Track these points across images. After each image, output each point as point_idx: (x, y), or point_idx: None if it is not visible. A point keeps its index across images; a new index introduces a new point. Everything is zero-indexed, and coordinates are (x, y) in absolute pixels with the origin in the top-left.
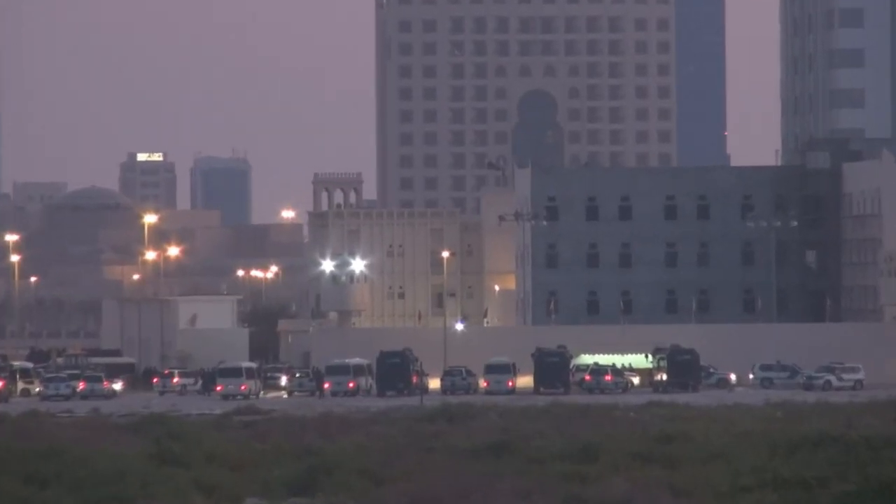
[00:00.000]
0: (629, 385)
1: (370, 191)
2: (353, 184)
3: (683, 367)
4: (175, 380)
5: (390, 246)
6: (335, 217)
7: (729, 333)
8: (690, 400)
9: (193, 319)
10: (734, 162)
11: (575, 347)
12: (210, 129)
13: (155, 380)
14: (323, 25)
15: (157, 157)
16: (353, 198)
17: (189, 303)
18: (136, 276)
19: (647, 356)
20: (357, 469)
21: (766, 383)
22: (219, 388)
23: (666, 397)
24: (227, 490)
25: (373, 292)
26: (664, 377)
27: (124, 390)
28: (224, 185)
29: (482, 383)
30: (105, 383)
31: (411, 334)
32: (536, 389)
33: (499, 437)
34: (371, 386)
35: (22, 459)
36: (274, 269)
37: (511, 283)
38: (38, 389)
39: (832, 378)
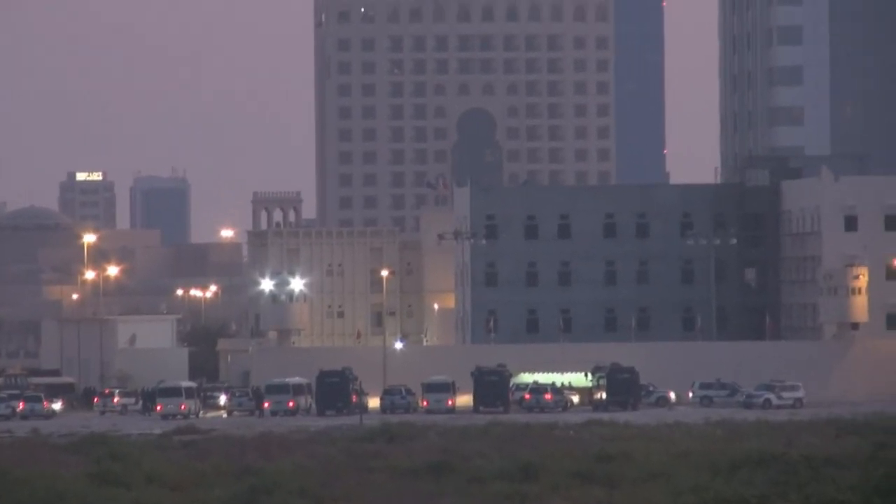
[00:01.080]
0: (569, 404)
1: (309, 210)
2: (292, 202)
3: (623, 386)
4: (115, 399)
5: (329, 265)
6: (274, 236)
7: (668, 351)
8: (630, 419)
9: (133, 339)
10: (674, 180)
11: (514, 366)
12: (149, 148)
13: (95, 399)
14: (262, 44)
15: (97, 176)
16: (292, 217)
17: (128, 322)
18: (75, 296)
19: (586, 374)
20: (297, 489)
21: (705, 402)
22: (158, 408)
23: (606, 416)
24: None
25: (312, 311)
26: (604, 396)
27: (64, 410)
28: (163, 204)
29: (422, 402)
30: (45, 403)
31: (351, 353)
32: (476, 408)
33: (439, 457)
34: (311, 405)
35: None
36: (213, 288)
37: (451, 302)
38: None
39: (772, 396)
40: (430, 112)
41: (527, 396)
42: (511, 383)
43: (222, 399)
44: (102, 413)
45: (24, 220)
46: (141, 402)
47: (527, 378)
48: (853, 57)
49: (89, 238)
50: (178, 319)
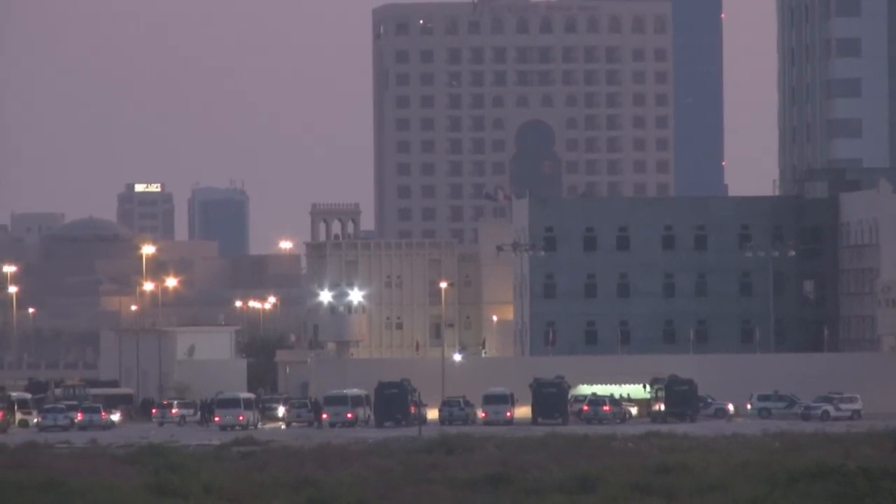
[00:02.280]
0: (627, 415)
1: (368, 221)
2: (350, 214)
3: (681, 398)
4: (173, 410)
5: (388, 276)
6: (333, 248)
7: (727, 363)
8: (688, 430)
9: (191, 350)
10: (732, 192)
11: (573, 378)
12: (208, 159)
13: (154, 411)
14: (321, 56)
15: (155, 187)
16: (350, 228)
17: (187, 334)
18: (133, 307)
19: (645, 386)
20: (355, 500)
21: (763, 413)
22: (217, 419)
23: (664, 428)
24: None
25: (371, 323)
26: (662, 407)
27: (122, 421)
28: (222, 215)
29: (480, 414)
30: (103, 414)
31: (409, 365)
32: (534, 420)
33: (497, 469)
34: (369, 416)
35: (20, 491)
36: (272, 299)
37: (509, 314)
38: (36, 420)
39: (830, 408)
40: (488, 124)
41: (585, 408)
42: (569, 395)
43: (281, 410)
44: (161, 424)
45: (83, 231)
46: (199, 413)
47: (585, 390)
48: None
49: (148, 249)
50: (237, 331)
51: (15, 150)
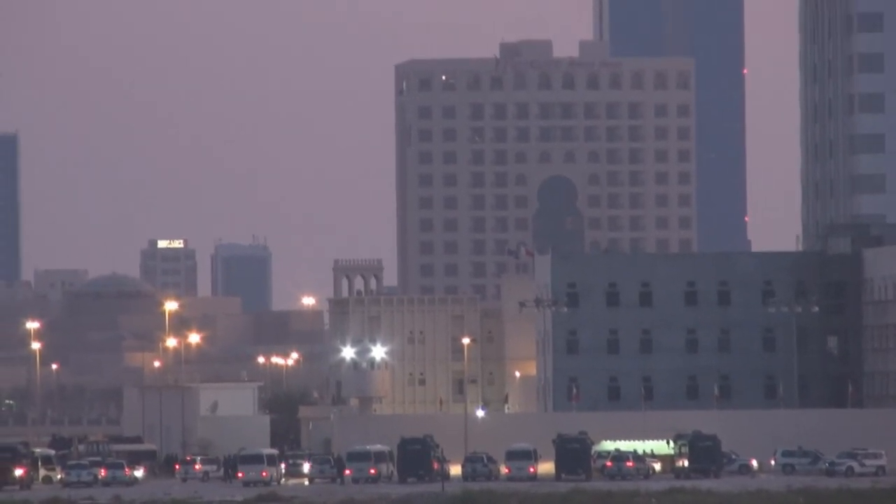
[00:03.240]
0: (651, 471)
1: (391, 277)
2: (373, 270)
3: (705, 453)
4: (197, 466)
5: (411, 332)
6: (356, 304)
7: (750, 419)
8: (713, 486)
9: (214, 406)
10: (755, 247)
11: (596, 433)
12: (231, 215)
13: (177, 466)
14: (343, 111)
15: (178, 243)
16: (373, 284)
17: (210, 390)
18: (157, 363)
19: (668, 442)
20: None
21: (788, 469)
22: (240, 475)
23: (688, 483)
24: None
25: (394, 378)
26: (686, 463)
27: (146, 477)
28: (245, 271)
29: (504, 469)
30: (126, 470)
31: (432, 420)
32: (558, 476)
33: None
34: (392, 472)
35: None
36: (294, 355)
37: (532, 370)
38: (59, 476)
39: (854, 464)
40: (511, 179)
41: (608, 464)
42: (593, 451)
43: (306, 467)
44: (184, 480)
45: (106, 287)
46: (223, 469)
47: (608, 446)
48: None
49: (171, 305)
50: (260, 387)
51: (38, 206)
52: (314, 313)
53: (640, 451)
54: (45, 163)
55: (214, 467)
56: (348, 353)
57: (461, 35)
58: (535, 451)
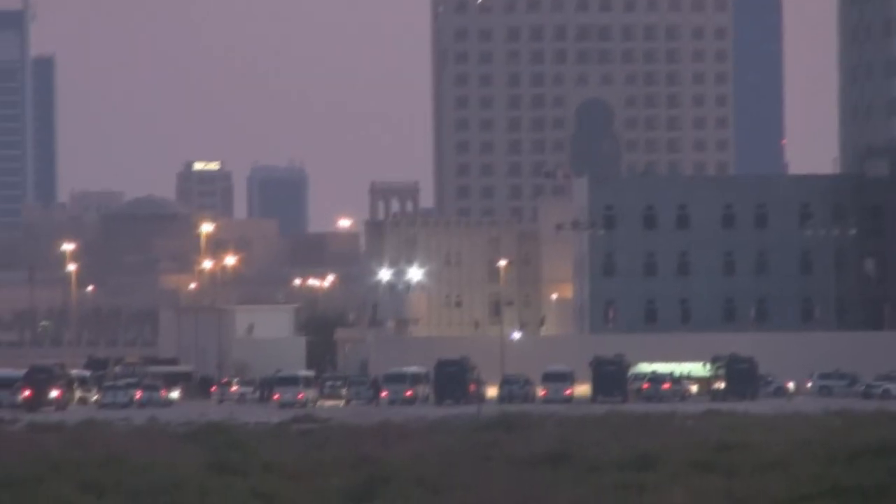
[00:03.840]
0: (687, 393)
1: (427, 199)
2: (409, 192)
3: (742, 376)
4: (233, 388)
5: (447, 254)
6: (392, 226)
7: (787, 342)
8: (749, 408)
9: (250, 329)
10: (792, 170)
11: (633, 356)
12: (267, 137)
13: (213, 388)
14: (380, 34)
15: (214, 165)
16: (409, 206)
17: (246, 312)
18: (192, 286)
19: (705, 365)
20: (415, 478)
21: (824, 392)
22: (276, 397)
23: (724, 406)
24: (284, 499)
25: (430, 301)
26: (722, 386)
27: (181, 399)
28: (281, 194)
29: (540, 392)
30: (162, 392)
31: (468, 343)
32: (594, 398)
33: (557, 447)
34: (429, 394)
35: (79, 468)
36: (331, 278)
37: (568, 292)
38: (95, 398)
39: (891, 386)
40: (547, 102)
41: (645, 386)
42: (629, 373)
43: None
44: (221, 402)
45: (141, 209)
46: (259, 391)
47: (645, 368)
48: None
49: (207, 227)
50: (296, 309)
51: (73, 128)
52: (350, 235)
53: (676, 374)
54: (82, 85)
55: (251, 389)
56: (385, 275)
57: None
58: (571, 374)
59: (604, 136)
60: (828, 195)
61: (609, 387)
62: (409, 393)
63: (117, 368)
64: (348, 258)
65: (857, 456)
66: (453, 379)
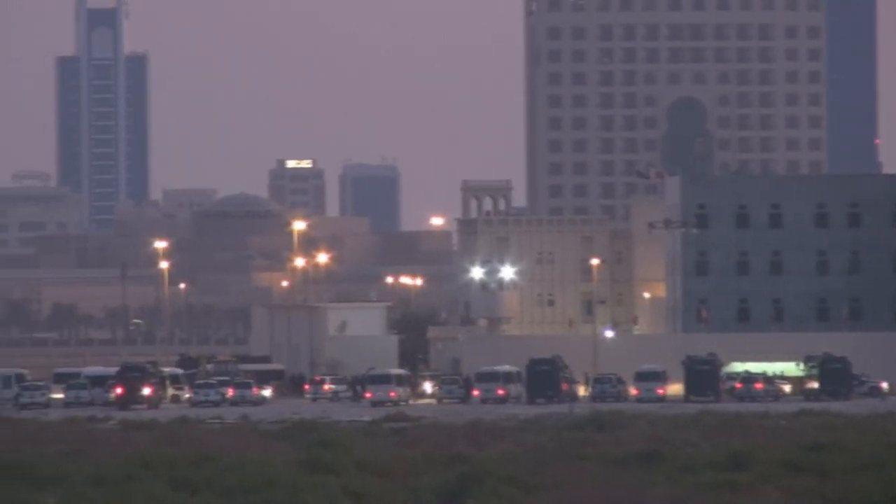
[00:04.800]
0: (780, 393)
1: (519, 198)
2: (502, 191)
3: (835, 376)
4: (326, 386)
5: (539, 253)
6: (484, 224)
7: (881, 342)
8: (842, 408)
9: (343, 326)
10: (886, 170)
11: (725, 355)
12: (359, 136)
13: (306, 387)
14: (472, 33)
15: (307, 163)
16: (502, 205)
17: (338, 310)
18: (284, 283)
19: (798, 364)
20: (506, 477)
21: None
22: (368, 395)
23: (817, 406)
24: (376, 497)
25: (522, 299)
26: (815, 386)
27: (273, 397)
28: (373, 191)
29: (632, 391)
30: (254, 390)
31: (561, 341)
32: (687, 397)
33: (649, 446)
34: (520, 393)
35: (171, 466)
36: (423, 276)
37: (661, 291)
38: (187, 396)
39: None
40: (640, 101)
41: (738, 386)
42: (722, 373)
43: (428, 387)
44: (314, 400)
45: (234, 207)
46: (351, 389)
47: (738, 367)
48: None
49: (299, 225)
50: (388, 307)
51: (167, 126)
52: (442, 234)
53: (769, 373)
54: (174, 82)
55: (344, 387)
56: (477, 273)
57: None
58: (663, 373)
59: (696, 135)
60: None
61: (701, 386)
62: (500, 392)
63: (209, 366)
64: (440, 256)
65: None
66: (545, 378)
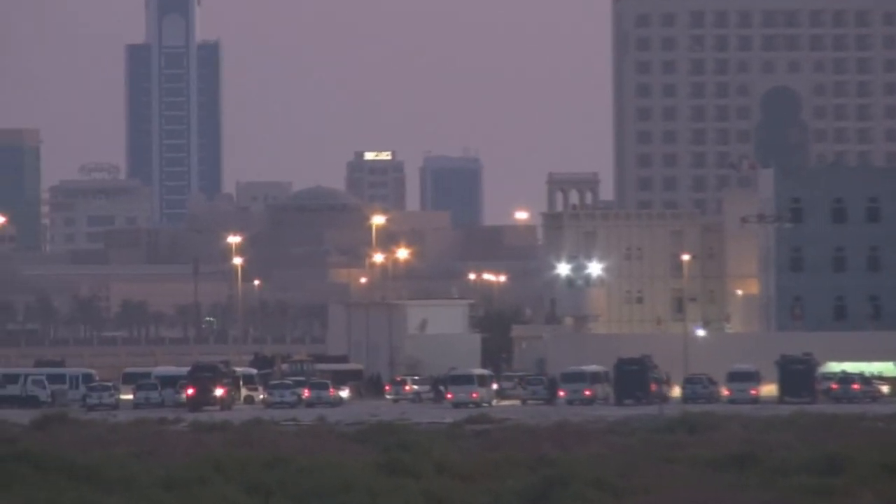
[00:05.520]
0: (878, 394)
1: (607, 191)
2: (589, 184)
3: None
4: (408, 387)
5: (628, 248)
6: (570, 218)
7: None
8: None
9: (423, 325)
10: None
11: (821, 354)
12: (440, 127)
13: (387, 387)
14: (558, 21)
15: (386, 155)
16: (589, 198)
17: (419, 307)
18: (363, 280)
19: None
20: (593, 480)
21: None
22: (449, 396)
23: None
24: (457, 501)
25: (610, 297)
26: None
27: (351, 398)
28: (455, 184)
29: (724, 392)
30: (331, 390)
31: (650, 340)
32: (781, 398)
33: (742, 448)
34: (608, 394)
35: (245, 468)
36: (506, 272)
37: (754, 288)
38: (262, 397)
39: None
40: (732, 90)
41: (834, 386)
42: (817, 372)
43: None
44: (396, 401)
45: (310, 200)
46: (433, 390)
47: (834, 367)
48: None
49: (378, 219)
50: (471, 304)
51: (240, 117)
52: (527, 228)
53: (866, 374)
54: (247, 71)
55: (426, 388)
56: (563, 269)
57: None
58: (757, 373)
59: (791, 126)
60: None
61: (796, 387)
62: (587, 392)
63: (284, 366)
64: (525, 252)
65: None
66: (634, 378)
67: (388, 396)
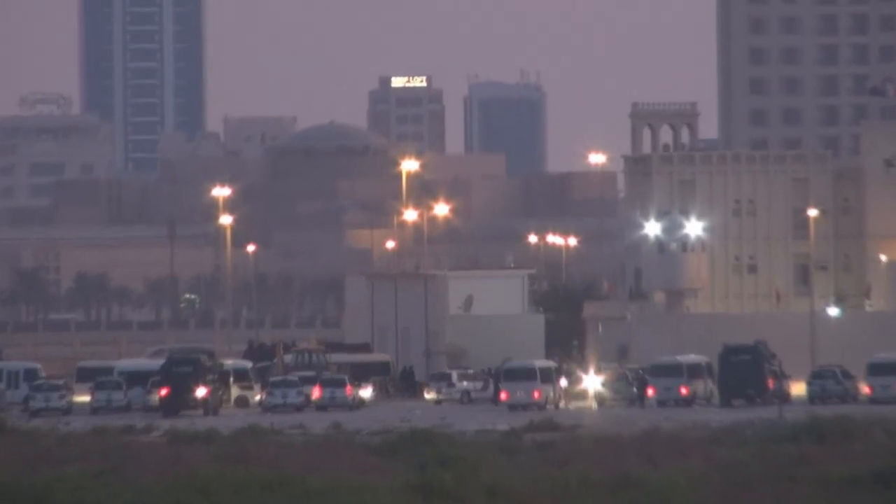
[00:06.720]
0: None
1: (709, 128)
2: (685, 118)
3: None
4: (453, 384)
5: (737, 202)
6: (661, 163)
7: None
8: None
9: (469, 302)
10: None
11: None
12: (489, 45)
13: (424, 386)
14: None
15: (419, 81)
16: (685, 137)
17: (463, 279)
18: (390, 244)
19: None
20: None
21: None
22: (503, 396)
23: None
24: None
25: (713, 265)
26: None
27: (375, 398)
28: (509, 120)
29: (864, 389)
30: (349, 389)
31: (766, 322)
32: None
33: (887, 463)
34: (712, 392)
35: (238, 492)
36: (577, 234)
37: None
38: (258, 398)
39: None
40: None
41: None
42: None
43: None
44: (438, 402)
45: (320, 140)
46: (490, 387)
47: None
48: None
49: (409, 165)
50: (531, 275)
51: (231, 34)
52: (604, 176)
53: None
54: None
55: (478, 385)
56: (651, 229)
57: None
58: None
59: None
60: None
61: None
62: (684, 390)
63: (288, 357)
64: (601, 207)
65: None
66: (745, 371)
67: (427, 396)
